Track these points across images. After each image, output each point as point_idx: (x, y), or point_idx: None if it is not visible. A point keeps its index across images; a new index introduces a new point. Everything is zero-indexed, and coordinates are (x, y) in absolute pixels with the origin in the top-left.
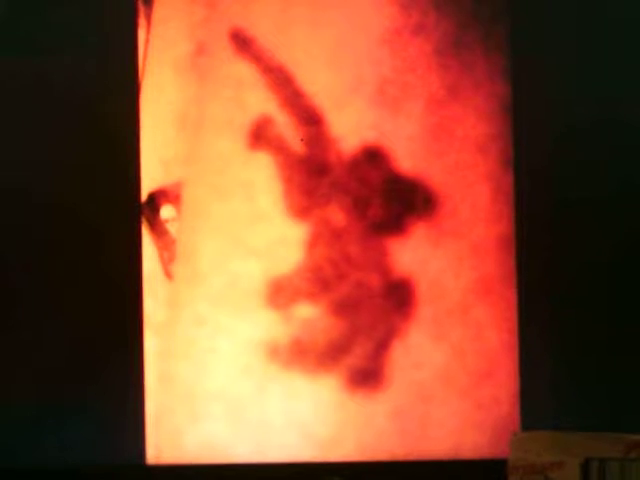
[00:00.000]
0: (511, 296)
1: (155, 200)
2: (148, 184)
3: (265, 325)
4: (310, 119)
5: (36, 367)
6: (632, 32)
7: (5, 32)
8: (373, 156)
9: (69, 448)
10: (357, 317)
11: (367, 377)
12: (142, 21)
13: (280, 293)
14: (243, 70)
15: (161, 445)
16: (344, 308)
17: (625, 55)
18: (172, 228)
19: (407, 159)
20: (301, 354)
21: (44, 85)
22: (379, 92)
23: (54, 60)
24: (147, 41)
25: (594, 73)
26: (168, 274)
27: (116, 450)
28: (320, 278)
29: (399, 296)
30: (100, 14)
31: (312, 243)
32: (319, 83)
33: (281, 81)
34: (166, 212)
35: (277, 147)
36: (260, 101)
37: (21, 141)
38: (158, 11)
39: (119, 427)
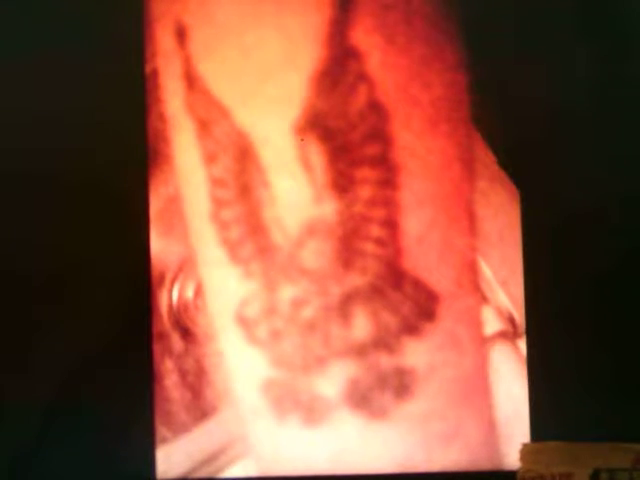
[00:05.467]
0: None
1: None
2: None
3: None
4: None
5: (41, 379)
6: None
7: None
8: None
9: (75, 463)
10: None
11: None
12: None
13: None
14: None
15: (172, 459)
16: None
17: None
18: None
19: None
20: None
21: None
22: None
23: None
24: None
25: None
26: None
27: (124, 465)
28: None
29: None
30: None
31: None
32: None
33: None
34: None
35: None
36: None
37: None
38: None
39: (128, 441)
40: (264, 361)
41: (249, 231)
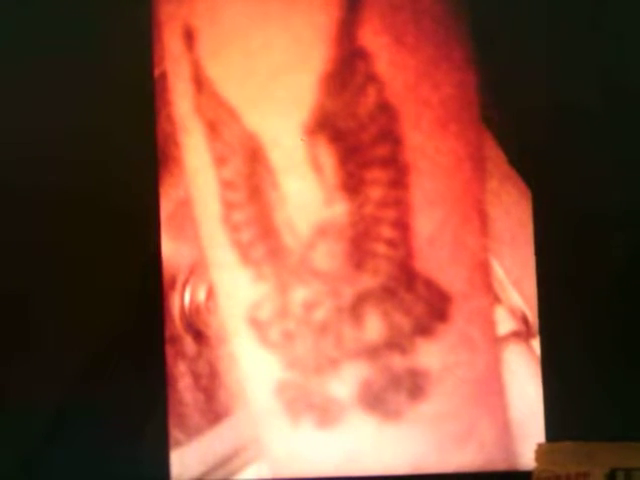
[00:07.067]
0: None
1: None
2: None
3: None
4: None
5: (54, 382)
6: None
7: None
8: None
9: (88, 467)
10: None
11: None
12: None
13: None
14: None
15: (186, 462)
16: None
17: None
18: None
19: None
20: None
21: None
22: None
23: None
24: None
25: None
26: None
27: (138, 468)
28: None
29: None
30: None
31: None
32: None
33: None
34: None
35: None
36: None
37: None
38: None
39: (141, 444)
40: (277, 363)
41: (260, 233)
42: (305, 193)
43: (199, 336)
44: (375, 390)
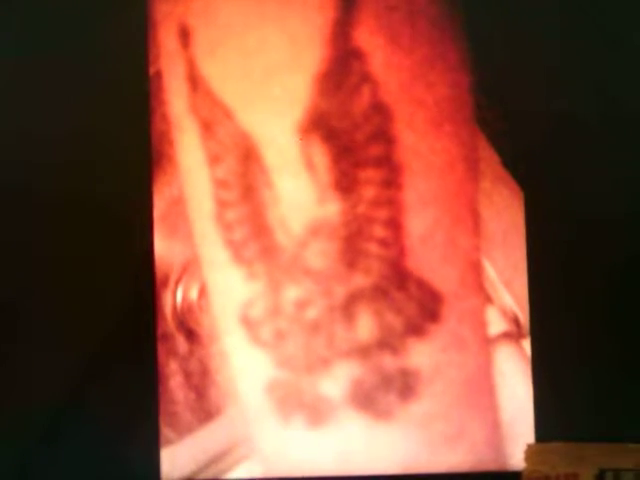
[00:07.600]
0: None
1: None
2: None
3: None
4: None
5: (46, 380)
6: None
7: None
8: None
9: (80, 464)
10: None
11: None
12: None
13: None
14: None
15: (176, 460)
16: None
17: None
18: None
19: None
20: None
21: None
22: None
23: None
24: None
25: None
26: None
27: (129, 466)
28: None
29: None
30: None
31: None
32: None
33: None
34: None
35: None
36: None
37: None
38: None
39: (132, 442)
40: (268, 362)
41: (253, 232)
42: (298, 192)
43: (191, 334)
44: (366, 390)
